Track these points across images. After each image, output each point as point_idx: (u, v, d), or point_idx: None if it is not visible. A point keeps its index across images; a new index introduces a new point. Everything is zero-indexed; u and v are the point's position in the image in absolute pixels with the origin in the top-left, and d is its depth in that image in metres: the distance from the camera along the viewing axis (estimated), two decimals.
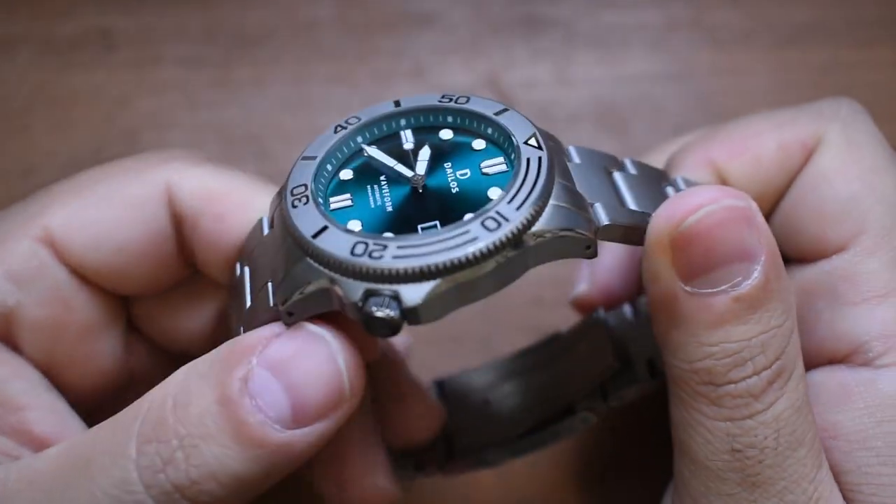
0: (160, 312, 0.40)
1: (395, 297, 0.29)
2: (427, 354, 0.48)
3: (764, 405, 0.31)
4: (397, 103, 0.35)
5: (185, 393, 0.31)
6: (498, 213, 0.29)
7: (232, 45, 0.63)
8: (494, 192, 0.31)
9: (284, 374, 0.30)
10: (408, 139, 0.35)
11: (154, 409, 0.31)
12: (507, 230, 0.29)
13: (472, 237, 0.29)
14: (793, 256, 0.37)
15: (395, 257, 0.29)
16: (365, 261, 0.29)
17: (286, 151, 0.60)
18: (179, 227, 0.37)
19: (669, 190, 0.36)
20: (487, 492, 0.50)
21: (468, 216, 0.30)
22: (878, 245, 0.34)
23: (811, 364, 0.35)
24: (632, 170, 0.35)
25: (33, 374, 0.35)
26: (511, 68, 0.62)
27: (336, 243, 0.30)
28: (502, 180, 0.32)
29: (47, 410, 0.34)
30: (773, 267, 0.30)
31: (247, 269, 0.36)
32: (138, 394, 0.33)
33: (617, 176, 0.34)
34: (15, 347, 0.35)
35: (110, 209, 0.36)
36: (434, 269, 0.29)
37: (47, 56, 0.63)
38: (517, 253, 0.29)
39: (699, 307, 0.30)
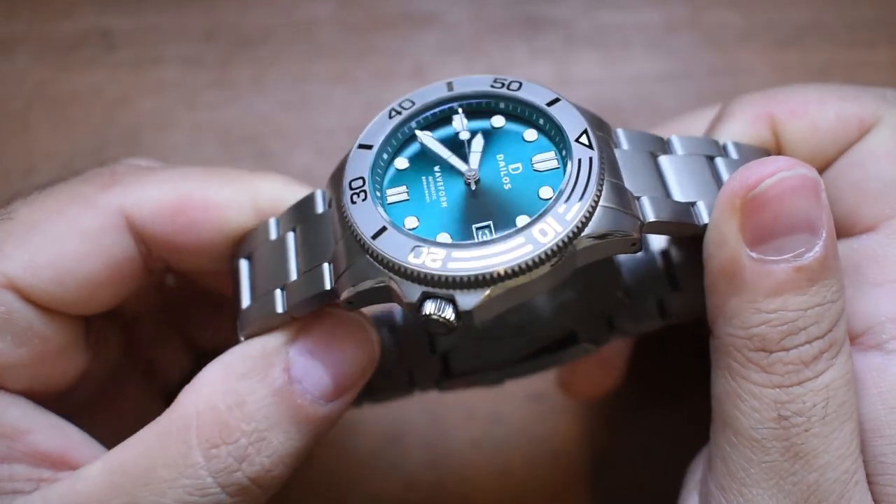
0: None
1: (451, 301, 0.30)
2: None
3: (814, 373, 0.31)
4: (450, 85, 0.35)
5: (234, 394, 0.33)
6: (549, 220, 0.31)
7: (232, 45, 0.63)
8: (546, 192, 0.32)
9: (324, 354, 0.35)
10: (461, 124, 0.35)
11: (205, 415, 0.33)
12: (558, 239, 0.30)
13: (525, 246, 0.30)
14: None
15: (452, 264, 0.30)
16: (423, 266, 0.30)
17: (286, 151, 0.60)
18: (146, 246, 0.37)
19: (719, 162, 0.36)
20: (487, 492, 0.50)
21: (521, 220, 0.32)
22: None
23: None
24: (678, 150, 0.36)
25: (23, 400, 0.35)
26: (511, 68, 0.62)
27: (395, 246, 0.31)
28: (553, 179, 0.33)
29: (49, 429, 0.35)
30: (832, 244, 0.31)
31: (244, 266, 0.36)
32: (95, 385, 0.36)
33: (663, 160, 0.35)
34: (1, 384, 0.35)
35: (69, 246, 0.36)
36: (489, 277, 0.30)
37: (47, 56, 0.63)
38: (567, 257, 0.31)
39: (762, 273, 0.31)
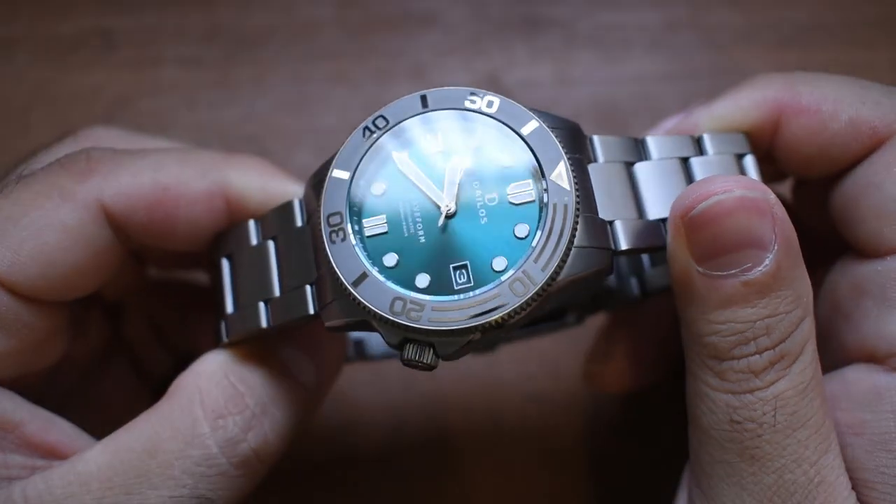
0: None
1: (431, 346, 0.32)
2: None
3: (764, 383, 0.32)
4: (424, 100, 0.35)
5: (238, 371, 0.36)
6: (525, 273, 0.31)
7: (232, 45, 0.63)
8: (521, 230, 0.33)
9: (309, 353, 0.38)
10: (438, 143, 0.35)
11: (210, 389, 0.35)
12: (534, 291, 0.31)
13: (501, 303, 0.31)
14: (851, 245, 0.37)
15: (432, 316, 0.31)
16: (403, 320, 0.31)
17: (286, 151, 0.60)
18: (125, 234, 0.38)
19: (694, 163, 0.36)
20: (487, 491, 0.50)
21: (497, 263, 0.32)
22: None
23: (850, 359, 0.36)
24: (653, 153, 0.36)
25: (12, 394, 0.36)
26: (511, 68, 0.62)
27: (376, 296, 0.32)
28: (528, 215, 0.33)
29: (41, 421, 0.35)
30: (787, 256, 0.32)
31: (226, 266, 0.38)
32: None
33: (638, 169, 0.35)
34: None
35: (50, 239, 0.36)
36: (466, 329, 0.31)
37: (47, 56, 0.63)
38: (541, 301, 0.32)
39: (709, 287, 0.32)
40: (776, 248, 0.31)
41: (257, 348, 0.37)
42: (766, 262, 0.31)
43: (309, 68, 0.63)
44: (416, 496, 0.50)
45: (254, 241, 0.37)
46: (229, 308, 0.37)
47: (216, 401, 0.35)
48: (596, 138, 0.35)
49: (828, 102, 0.37)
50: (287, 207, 0.36)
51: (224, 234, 0.38)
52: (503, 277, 0.32)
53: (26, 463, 0.34)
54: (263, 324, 0.35)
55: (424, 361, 0.32)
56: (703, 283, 0.32)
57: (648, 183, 0.35)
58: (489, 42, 0.63)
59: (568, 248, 0.32)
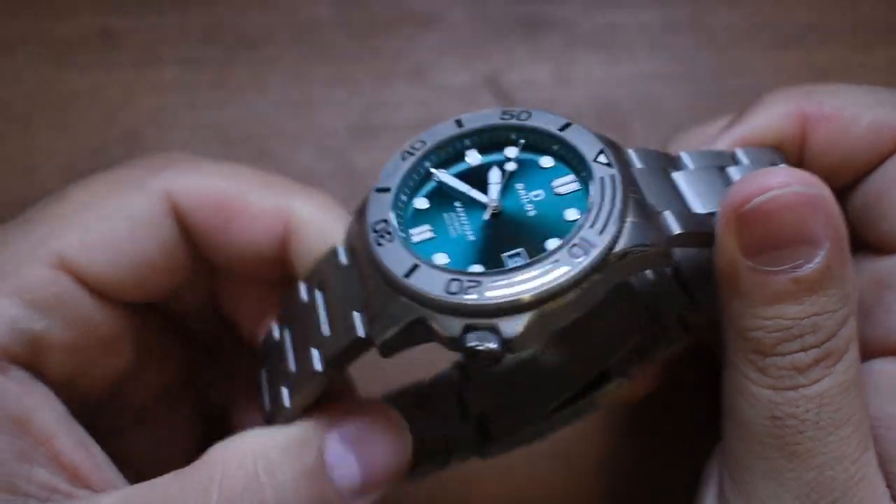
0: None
1: (495, 330, 0.29)
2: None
3: (808, 380, 0.32)
4: (459, 122, 0.35)
5: (266, 459, 0.33)
6: (583, 238, 0.30)
7: (232, 46, 0.63)
8: (572, 214, 0.32)
9: (358, 446, 0.34)
10: (475, 159, 0.35)
11: (232, 472, 0.32)
12: (593, 256, 0.30)
13: (560, 267, 0.30)
14: (871, 243, 0.37)
15: (490, 293, 0.30)
16: (461, 298, 0.30)
17: (286, 151, 0.60)
18: (189, 234, 0.38)
19: (732, 170, 0.36)
20: (487, 492, 0.50)
21: (552, 242, 0.31)
22: None
23: (874, 353, 0.36)
24: (689, 164, 0.36)
25: (57, 404, 0.35)
26: (511, 68, 0.62)
27: (429, 282, 0.30)
28: (577, 201, 0.33)
29: (73, 439, 0.34)
30: (838, 254, 0.31)
31: (287, 332, 0.36)
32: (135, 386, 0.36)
33: (676, 176, 0.35)
34: (39, 372, 0.35)
35: (118, 227, 0.36)
36: (529, 301, 0.29)
37: (47, 56, 0.63)
38: (602, 275, 0.30)
39: (758, 283, 0.31)
40: (828, 245, 0.31)
41: (300, 436, 0.34)
42: (818, 259, 0.31)
43: (309, 68, 0.63)
44: (417, 496, 0.50)
45: (304, 297, 0.37)
46: (291, 366, 0.36)
47: (233, 488, 0.32)
48: (631, 150, 0.35)
49: (847, 108, 0.37)
50: (330, 254, 0.36)
51: (277, 304, 0.38)
52: (558, 250, 0.30)
53: (48, 482, 0.33)
54: (317, 366, 0.34)
55: (489, 347, 0.29)
56: (750, 278, 0.31)
57: (690, 187, 0.34)
58: (489, 42, 0.63)
59: (622, 219, 0.31)
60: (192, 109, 0.61)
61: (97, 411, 0.38)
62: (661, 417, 0.50)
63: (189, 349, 0.44)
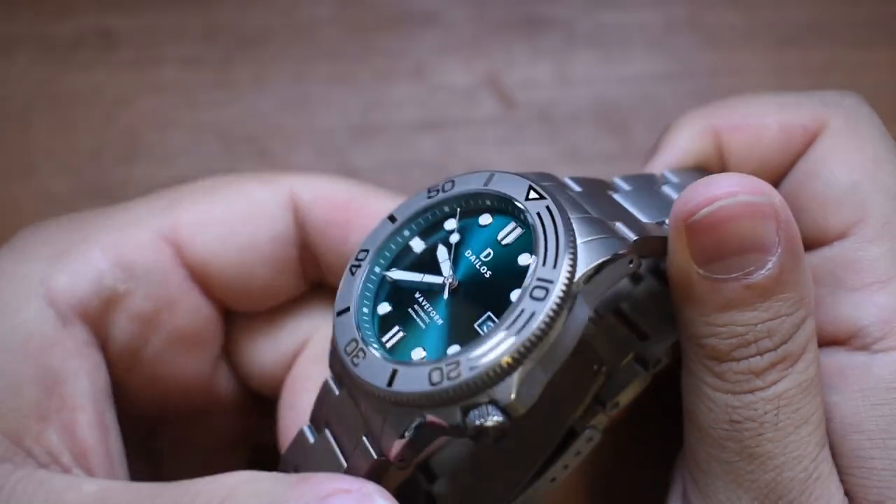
0: (250, 337, 0.40)
1: (492, 402, 0.29)
2: None
3: (765, 383, 0.32)
4: (392, 218, 0.35)
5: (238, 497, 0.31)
6: (539, 279, 0.30)
7: (232, 45, 0.63)
8: (524, 259, 0.32)
9: None
10: (419, 246, 0.35)
11: (205, 498, 0.31)
12: (556, 292, 0.30)
13: (529, 314, 0.29)
14: None
15: (472, 368, 0.29)
16: (447, 385, 0.29)
17: (286, 151, 0.60)
18: (304, 231, 0.38)
19: (666, 188, 0.36)
20: None
21: (515, 294, 0.31)
22: (879, 234, 0.35)
23: None
24: (624, 186, 0.36)
25: (100, 378, 0.35)
26: (511, 68, 0.62)
27: (413, 381, 0.30)
28: (525, 245, 0.32)
29: (96, 418, 0.34)
30: (791, 259, 0.31)
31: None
32: (211, 423, 0.36)
33: (616, 197, 0.35)
34: (103, 335, 0.35)
35: (237, 207, 0.37)
36: (511, 360, 0.29)
37: (47, 56, 0.63)
38: (574, 303, 0.30)
39: (710, 290, 0.31)
40: (779, 251, 0.31)
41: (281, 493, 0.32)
42: (769, 265, 0.31)
43: (309, 68, 0.63)
44: None
45: (311, 440, 0.36)
46: (344, 465, 0.35)
47: None
48: (567, 178, 0.35)
49: (754, 116, 0.38)
50: (323, 387, 0.36)
51: (288, 453, 0.37)
52: (522, 300, 0.30)
53: (54, 449, 0.33)
54: None
55: (494, 420, 0.29)
56: (703, 286, 0.31)
57: (631, 203, 0.34)
58: (489, 42, 0.63)
59: (573, 244, 0.31)
60: (191, 109, 0.61)
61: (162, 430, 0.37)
62: (664, 418, 0.50)
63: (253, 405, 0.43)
